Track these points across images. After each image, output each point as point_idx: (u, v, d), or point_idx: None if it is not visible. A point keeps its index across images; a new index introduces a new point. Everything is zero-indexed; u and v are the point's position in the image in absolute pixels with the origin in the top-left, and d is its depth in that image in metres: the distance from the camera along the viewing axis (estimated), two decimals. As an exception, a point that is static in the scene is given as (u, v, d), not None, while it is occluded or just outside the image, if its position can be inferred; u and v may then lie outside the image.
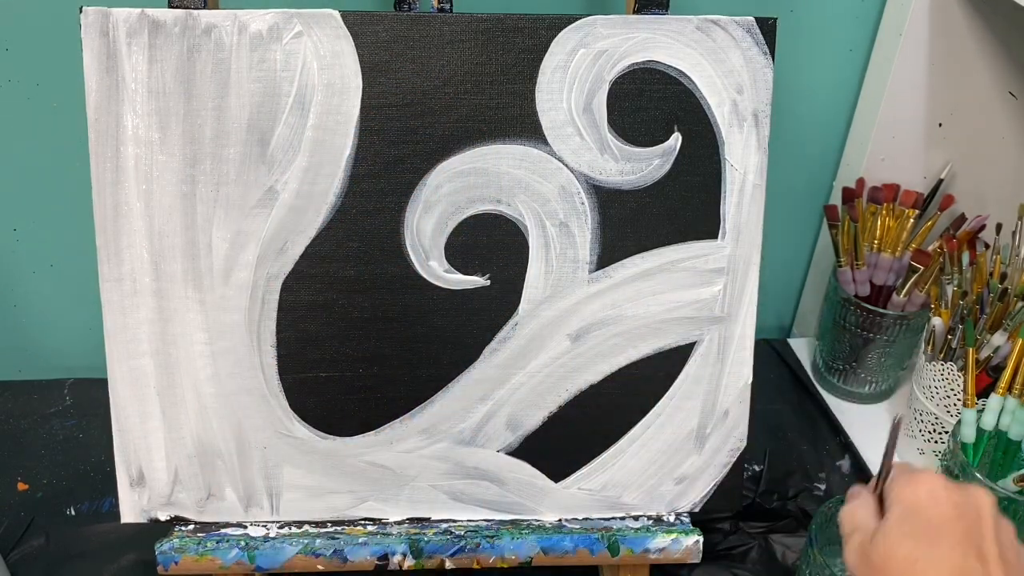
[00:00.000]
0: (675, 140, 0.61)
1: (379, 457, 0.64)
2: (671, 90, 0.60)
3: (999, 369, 0.73)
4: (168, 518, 0.64)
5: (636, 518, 0.65)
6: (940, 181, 0.87)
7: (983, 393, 0.73)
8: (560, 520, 0.65)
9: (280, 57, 0.58)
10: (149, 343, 0.61)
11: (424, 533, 0.63)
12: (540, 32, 0.59)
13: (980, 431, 0.73)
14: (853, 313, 0.85)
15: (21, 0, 0.75)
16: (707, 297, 0.63)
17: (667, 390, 0.64)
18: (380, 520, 0.65)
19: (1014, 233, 0.80)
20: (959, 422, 0.70)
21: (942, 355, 0.77)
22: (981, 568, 0.42)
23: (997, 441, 0.73)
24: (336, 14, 0.58)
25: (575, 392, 0.64)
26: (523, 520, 0.65)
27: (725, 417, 0.65)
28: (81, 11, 0.57)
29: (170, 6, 0.58)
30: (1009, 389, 0.71)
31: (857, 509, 0.48)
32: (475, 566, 0.63)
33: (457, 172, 0.61)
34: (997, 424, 0.72)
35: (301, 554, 0.62)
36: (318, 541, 0.62)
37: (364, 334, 0.62)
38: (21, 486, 0.81)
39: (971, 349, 0.73)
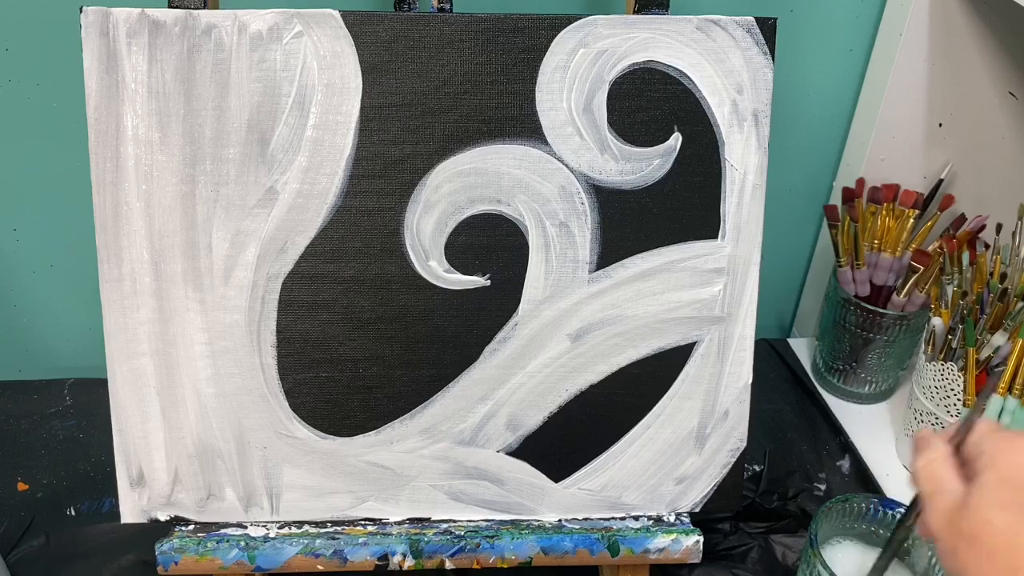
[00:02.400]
0: (675, 140, 0.61)
1: (379, 457, 0.64)
2: (671, 90, 0.60)
3: (999, 369, 0.73)
4: (168, 518, 0.64)
5: (636, 518, 0.65)
6: (940, 181, 0.87)
7: (983, 393, 0.73)
8: (560, 520, 0.65)
9: (280, 57, 0.58)
10: (149, 343, 0.61)
11: (424, 533, 0.63)
12: (540, 32, 0.59)
13: (980, 431, 0.73)
14: (853, 313, 0.85)
15: (21, 0, 0.75)
16: (707, 297, 0.63)
17: (667, 390, 0.64)
18: (380, 520, 0.65)
19: (1014, 233, 0.80)
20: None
21: (942, 355, 0.77)
22: None
23: (997, 441, 0.73)
24: (336, 14, 0.58)
25: (575, 392, 0.64)
26: (523, 520, 0.65)
27: (725, 417, 0.65)
28: (81, 11, 0.57)
29: (170, 6, 0.58)
30: (1009, 389, 0.71)
31: (937, 466, 0.45)
32: (475, 566, 0.63)
33: (457, 172, 0.61)
34: (997, 424, 0.72)
35: (301, 554, 0.62)
36: (318, 541, 0.62)
37: (364, 334, 0.62)
38: (21, 486, 0.81)
39: (971, 349, 0.73)
